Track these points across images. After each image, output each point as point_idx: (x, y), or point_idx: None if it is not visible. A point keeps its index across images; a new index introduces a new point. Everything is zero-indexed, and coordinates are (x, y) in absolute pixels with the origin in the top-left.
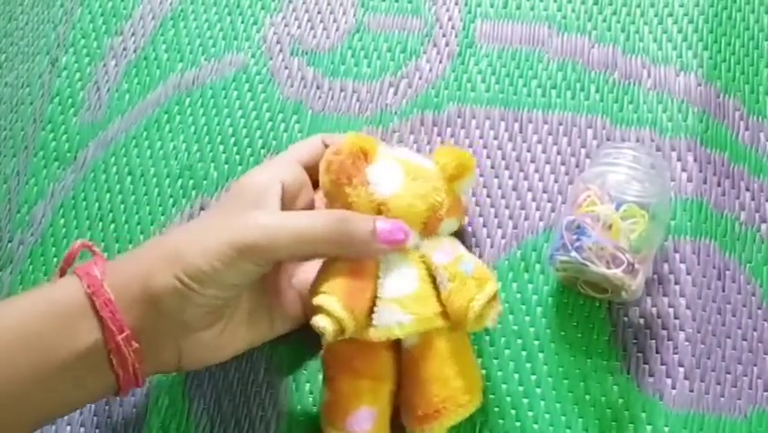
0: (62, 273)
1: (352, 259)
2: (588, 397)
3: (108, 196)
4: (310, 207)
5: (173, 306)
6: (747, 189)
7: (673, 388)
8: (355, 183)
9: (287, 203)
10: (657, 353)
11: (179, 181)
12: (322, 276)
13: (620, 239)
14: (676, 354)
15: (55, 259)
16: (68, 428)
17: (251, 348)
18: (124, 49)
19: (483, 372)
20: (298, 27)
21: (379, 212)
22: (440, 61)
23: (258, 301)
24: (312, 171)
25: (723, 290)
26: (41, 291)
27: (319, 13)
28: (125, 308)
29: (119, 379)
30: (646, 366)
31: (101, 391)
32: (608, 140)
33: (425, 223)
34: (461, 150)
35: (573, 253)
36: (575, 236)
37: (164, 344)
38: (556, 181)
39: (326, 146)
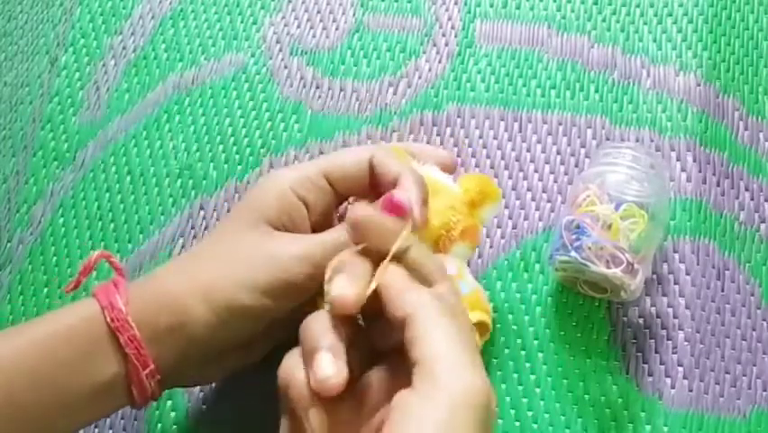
0: (77, 285)
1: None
2: (587, 396)
3: (108, 195)
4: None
5: (206, 339)
6: (746, 189)
7: (672, 387)
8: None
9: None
10: (656, 352)
11: (179, 181)
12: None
13: (620, 239)
14: (675, 353)
15: (54, 258)
16: None
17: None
18: (124, 48)
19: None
20: (298, 27)
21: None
22: (439, 61)
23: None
24: (346, 187)
25: (722, 290)
26: (62, 317)
27: (319, 12)
28: (150, 339)
29: (135, 401)
30: (645, 366)
31: (117, 409)
32: (608, 140)
33: (437, 241)
34: (487, 178)
35: (573, 253)
36: (575, 236)
37: (188, 371)
38: (555, 181)
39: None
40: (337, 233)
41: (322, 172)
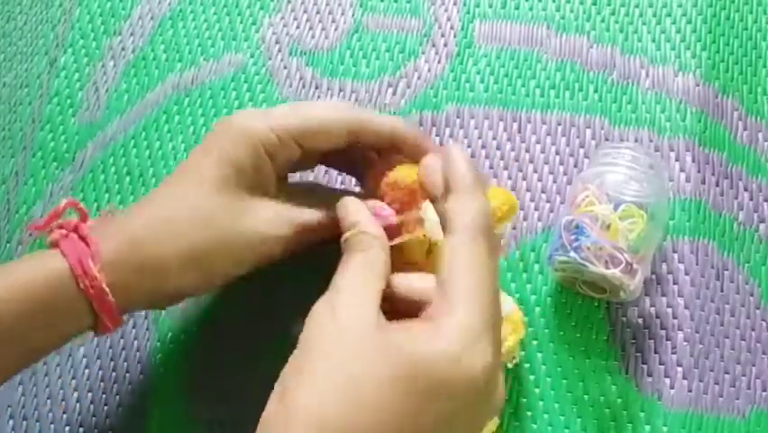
0: (41, 228)
1: None
2: (586, 397)
3: (107, 196)
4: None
5: (175, 296)
6: (746, 189)
7: (672, 388)
8: (409, 218)
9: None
10: (656, 352)
11: None
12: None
13: (619, 239)
14: (674, 353)
15: None
16: (67, 428)
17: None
18: (123, 49)
19: None
20: (297, 27)
21: (429, 251)
22: (438, 62)
23: None
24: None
25: (721, 290)
26: (28, 272)
27: (318, 13)
28: (125, 299)
29: (99, 335)
30: (645, 366)
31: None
32: (607, 140)
33: None
34: (508, 192)
35: (572, 254)
36: (574, 236)
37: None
38: (554, 182)
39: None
40: (316, 215)
41: (292, 136)
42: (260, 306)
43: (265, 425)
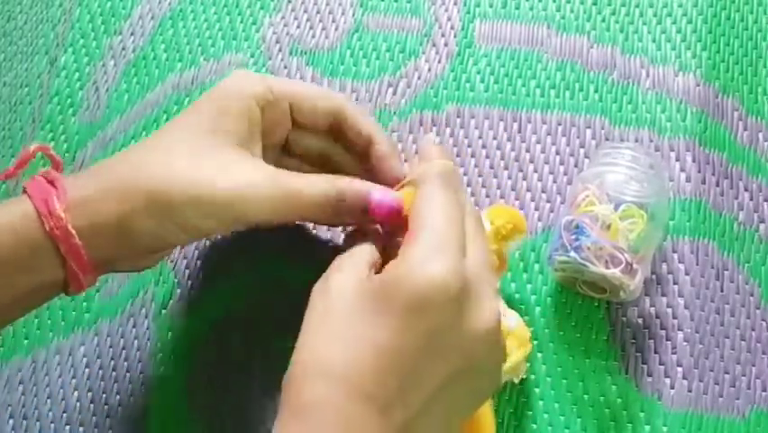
0: (9, 176)
1: None
2: (586, 397)
3: None
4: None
5: (145, 245)
6: (746, 190)
7: (672, 388)
8: None
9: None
10: (655, 352)
11: None
12: None
13: (619, 239)
14: (674, 353)
15: None
16: (68, 427)
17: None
18: (123, 49)
19: None
20: (297, 27)
21: None
22: (439, 61)
23: None
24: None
25: (721, 290)
26: None
27: (318, 13)
28: (90, 237)
29: (69, 293)
30: (645, 366)
31: (48, 300)
32: (607, 140)
33: None
34: (514, 210)
35: (572, 253)
36: (574, 236)
37: (123, 263)
38: (555, 182)
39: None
40: (302, 182)
41: (285, 96)
42: (260, 305)
43: (285, 388)
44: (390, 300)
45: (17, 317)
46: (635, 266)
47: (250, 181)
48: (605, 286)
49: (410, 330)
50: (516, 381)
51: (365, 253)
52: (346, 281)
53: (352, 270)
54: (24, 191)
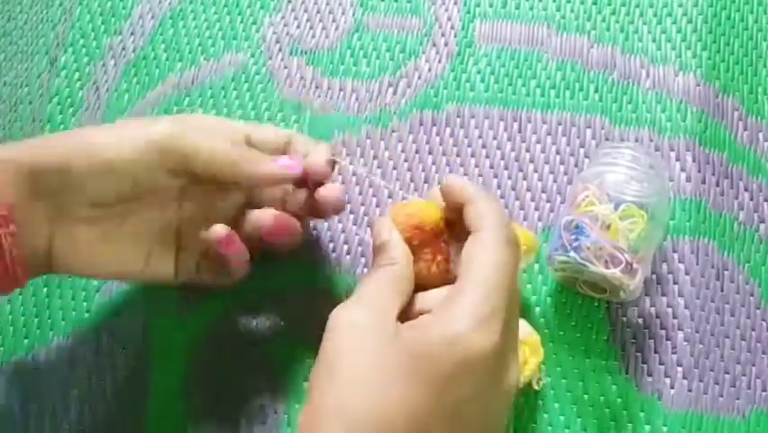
0: None
1: None
2: (586, 396)
3: None
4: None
5: (55, 184)
6: (746, 189)
7: (672, 388)
8: (436, 256)
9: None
10: (656, 352)
11: None
12: None
13: (619, 239)
14: (674, 353)
15: None
16: (67, 427)
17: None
18: (123, 48)
19: None
20: (298, 27)
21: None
22: (439, 61)
23: (170, 232)
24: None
25: (721, 290)
26: None
27: (318, 12)
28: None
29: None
30: (645, 366)
31: None
32: (607, 140)
33: None
34: (530, 234)
35: (572, 254)
36: (573, 236)
37: (37, 229)
38: (555, 181)
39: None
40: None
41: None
42: (259, 309)
43: (301, 428)
44: (433, 362)
45: None
46: (635, 266)
47: (185, 133)
48: (605, 286)
49: (448, 395)
50: (537, 387)
51: (397, 294)
52: (373, 331)
53: (381, 316)
54: None
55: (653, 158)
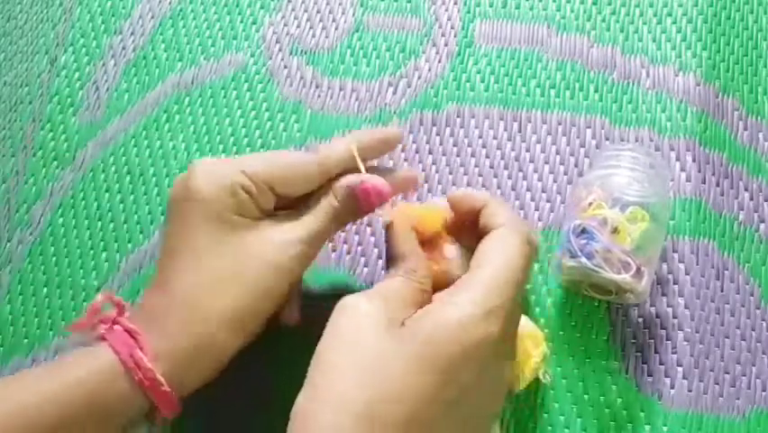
0: (83, 326)
1: None
2: (586, 397)
3: (107, 195)
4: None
5: (227, 357)
6: (746, 189)
7: (672, 388)
8: (433, 265)
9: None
10: (656, 352)
11: None
12: None
13: (626, 242)
14: (675, 353)
15: (54, 258)
16: None
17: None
18: (123, 48)
19: None
20: (298, 27)
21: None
22: (439, 61)
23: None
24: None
25: (721, 290)
26: (76, 371)
27: (318, 12)
28: (175, 379)
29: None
30: (645, 366)
31: None
32: (607, 140)
33: None
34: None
35: (583, 259)
36: (584, 241)
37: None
38: (555, 181)
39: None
40: (320, 219)
41: (265, 182)
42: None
43: (296, 417)
44: (439, 346)
45: None
46: (642, 268)
47: (278, 257)
48: (612, 289)
49: (452, 381)
50: (545, 380)
51: (404, 306)
52: (386, 314)
53: (393, 310)
54: (100, 339)
55: (653, 158)
